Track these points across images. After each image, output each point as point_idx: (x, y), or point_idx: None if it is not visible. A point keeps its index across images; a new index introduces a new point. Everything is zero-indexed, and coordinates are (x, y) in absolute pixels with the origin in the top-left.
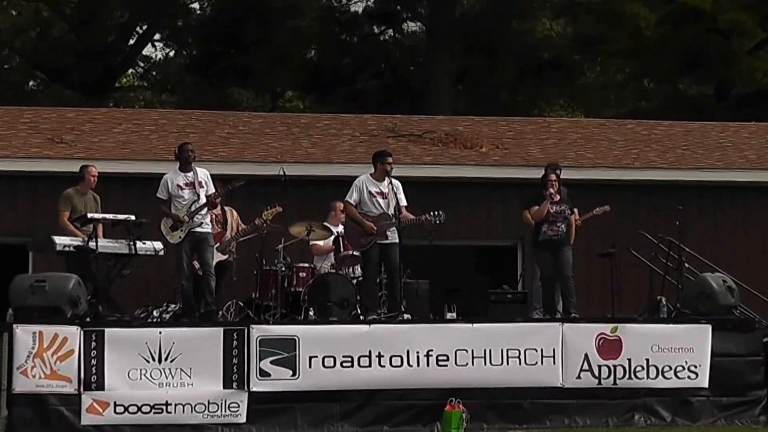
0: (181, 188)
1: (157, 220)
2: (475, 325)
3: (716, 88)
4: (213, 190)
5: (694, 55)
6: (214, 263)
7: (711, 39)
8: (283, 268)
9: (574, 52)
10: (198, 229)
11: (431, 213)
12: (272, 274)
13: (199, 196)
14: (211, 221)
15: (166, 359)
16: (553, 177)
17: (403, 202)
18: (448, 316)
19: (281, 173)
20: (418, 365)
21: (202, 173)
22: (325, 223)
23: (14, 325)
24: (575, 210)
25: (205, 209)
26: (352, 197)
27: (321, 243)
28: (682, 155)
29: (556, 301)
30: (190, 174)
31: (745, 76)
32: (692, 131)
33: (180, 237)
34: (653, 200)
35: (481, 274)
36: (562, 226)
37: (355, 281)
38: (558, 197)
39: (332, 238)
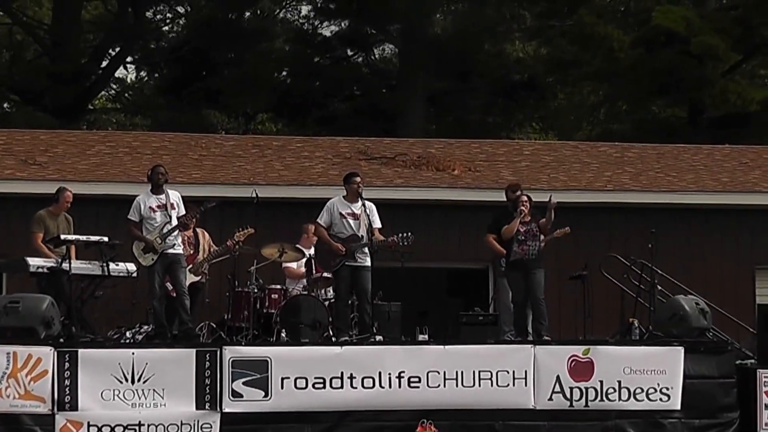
0: (153, 210)
1: (129, 241)
2: (447, 347)
3: (689, 111)
4: (184, 212)
5: (667, 77)
6: (186, 284)
7: (684, 62)
8: (256, 290)
9: (547, 74)
10: (170, 251)
11: (399, 235)
12: (244, 296)
13: (170, 218)
14: (183, 243)
15: (139, 380)
16: (525, 198)
17: (377, 225)
18: (420, 337)
19: (253, 195)
20: (390, 387)
21: (174, 195)
22: (298, 245)
23: None
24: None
25: (177, 231)
26: (323, 219)
27: (293, 265)
28: (655, 178)
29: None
30: (162, 196)
31: (718, 99)
32: (665, 154)
33: (152, 260)
34: (626, 222)
35: (453, 296)
36: (533, 245)
37: (327, 303)
38: (528, 217)
39: (304, 260)
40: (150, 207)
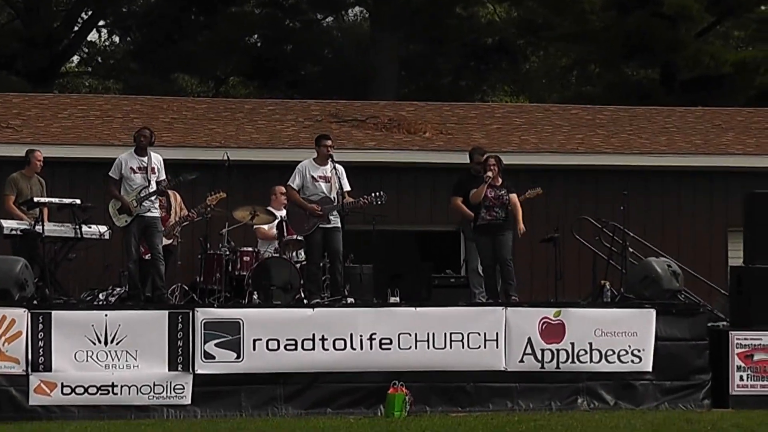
0: (134, 171)
1: (103, 203)
2: (418, 309)
3: (662, 73)
4: (164, 177)
5: (640, 39)
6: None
7: (657, 23)
8: (227, 253)
9: (518, 37)
10: (147, 214)
11: (372, 194)
12: (216, 258)
13: (149, 182)
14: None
15: (112, 341)
16: (492, 161)
17: (347, 187)
18: (392, 300)
19: (225, 158)
20: (362, 348)
21: (156, 159)
22: (269, 208)
23: None
24: (514, 193)
25: (154, 196)
26: (295, 181)
27: (265, 227)
28: (627, 140)
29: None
30: (145, 159)
31: (691, 61)
32: (638, 116)
33: (126, 221)
34: (598, 185)
35: (425, 259)
36: (500, 211)
37: (298, 265)
38: (500, 181)
39: (276, 222)
40: (131, 167)
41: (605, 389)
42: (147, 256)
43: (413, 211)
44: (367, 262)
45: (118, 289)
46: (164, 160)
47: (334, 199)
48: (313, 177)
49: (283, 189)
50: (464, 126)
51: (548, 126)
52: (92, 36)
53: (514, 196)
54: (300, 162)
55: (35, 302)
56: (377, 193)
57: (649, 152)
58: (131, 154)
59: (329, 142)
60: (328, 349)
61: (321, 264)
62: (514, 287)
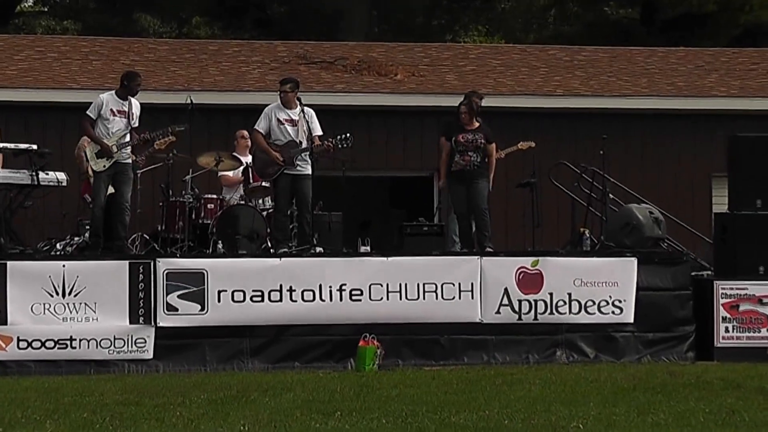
0: (114, 114)
1: (60, 148)
2: (389, 258)
3: (643, 12)
4: (138, 124)
5: None
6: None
7: None
8: (191, 200)
9: None
10: (122, 161)
11: (338, 137)
12: (179, 206)
13: (128, 128)
14: None
15: (70, 293)
16: (464, 108)
17: (317, 131)
18: (362, 249)
19: (188, 102)
20: (331, 300)
21: (136, 106)
22: (234, 153)
23: None
24: (493, 143)
25: (132, 144)
26: (261, 125)
27: (230, 174)
28: (607, 82)
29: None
30: (126, 103)
31: None
32: (617, 57)
33: (104, 166)
34: (576, 129)
35: (397, 206)
36: (474, 156)
37: (265, 213)
38: (475, 124)
39: (241, 168)
40: (112, 110)
41: (585, 341)
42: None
43: (384, 157)
44: (336, 209)
45: (77, 238)
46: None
47: (301, 143)
48: (279, 120)
49: (247, 134)
50: (437, 68)
51: (525, 68)
52: None
53: (492, 147)
54: (267, 106)
55: None
56: (343, 136)
57: (629, 95)
58: (113, 95)
59: (288, 87)
60: (296, 301)
61: (288, 212)
62: (489, 238)
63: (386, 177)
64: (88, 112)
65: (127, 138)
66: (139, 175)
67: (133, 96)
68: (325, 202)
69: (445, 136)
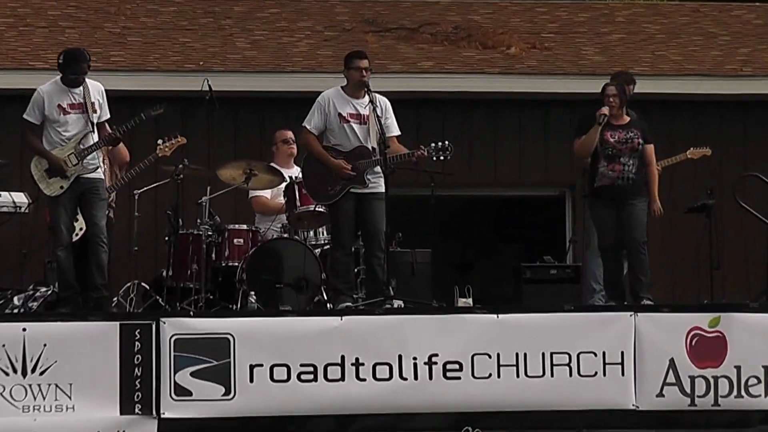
0: (65, 111)
1: (19, 159)
2: (500, 316)
3: None
4: (108, 116)
5: None
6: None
7: None
8: (210, 232)
9: None
10: (87, 175)
11: (432, 145)
12: (193, 242)
13: (92, 125)
14: None
15: (33, 370)
16: (612, 89)
17: (395, 131)
18: (461, 303)
19: (205, 88)
20: (416, 378)
21: (96, 89)
22: (273, 164)
23: None
24: (652, 144)
25: (99, 149)
26: (313, 122)
27: (266, 194)
28: None
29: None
30: (79, 90)
31: None
32: None
33: (61, 188)
34: None
35: (510, 240)
36: (631, 162)
37: (319, 251)
38: (626, 118)
39: (283, 185)
40: (60, 106)
41: None
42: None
43: (492, 167)
44: (423, 245)
45: (44, 289)
46: (113, 91)
47: (374, 150)
48: (341, 116)
49: (292, 135)
50: (568, 37)
51: (698, 36)
52: None
53: (651, 150)
54: (320, 93)
55: None
56: (439, 144)
57: None
58: (57, 84)
59: (365, 63)
60: (364, 380)
61: (353, 248)
62: (648, 285)
63: (495, 197)
64: (25, 116)
65: (91, 140)
66: (136, 196)
67: (78, 77)
68: (406, 234)
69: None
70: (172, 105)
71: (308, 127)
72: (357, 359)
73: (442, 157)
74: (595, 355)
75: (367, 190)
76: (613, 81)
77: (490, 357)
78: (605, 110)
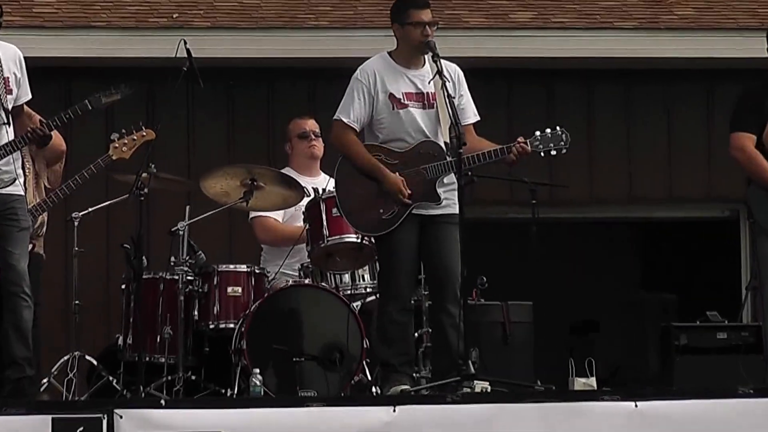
0: None
1: None
2: (640, 404)
3: None
4: (29, 96)
5: None
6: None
7: None
8: (190, 277)
9: None
10: (4, 190)
11: (537, 134)
12: (164, 291)
13: (5, 112)
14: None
15: None
16: None
17: (471, 116)
18: (580, 383)
19: (182, 55)
20: None
21: (10, 57)
22: (286, 170)
23: None
24: None
25: (18, 150)
26: (353, 113)
27: (277, 215)
28: None
29: None
30: None
31: None
32: None
33: None
34: None
35: (655, 285)
36: None
37: (358, 305)
38: None
39: (303, 204)
40: None
41: None
42: None
43: (625, 176)
44: (520, 295)
45: None
46: (30, 60)
47: (445, 148)
48: (393, 97)
49: (317, 127)
50: None
51: None
52: None
53: None
54: (361, 62)
55: None
56: (549, 132)
57: None
58: None
59: (427, 15)
60: None
61: (412, 300)
62: None
63: (628, 221)
64: None
65: (4, 137)
66: (76, 221)
67: None
68: (492, 278)
69: (751, 130)
70: (131, 80)
71: (345, 120)
72: None
73: (553, 152)
74: None
75: (438, 210)
76: None
77: None
78: None
